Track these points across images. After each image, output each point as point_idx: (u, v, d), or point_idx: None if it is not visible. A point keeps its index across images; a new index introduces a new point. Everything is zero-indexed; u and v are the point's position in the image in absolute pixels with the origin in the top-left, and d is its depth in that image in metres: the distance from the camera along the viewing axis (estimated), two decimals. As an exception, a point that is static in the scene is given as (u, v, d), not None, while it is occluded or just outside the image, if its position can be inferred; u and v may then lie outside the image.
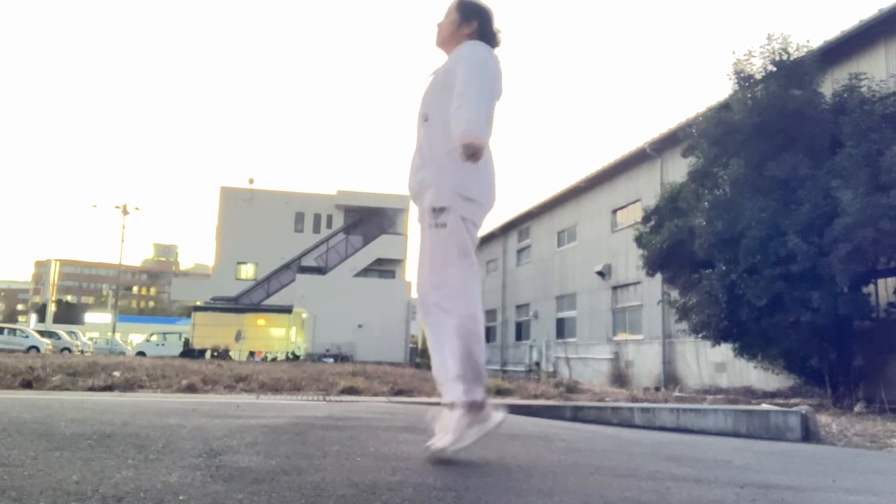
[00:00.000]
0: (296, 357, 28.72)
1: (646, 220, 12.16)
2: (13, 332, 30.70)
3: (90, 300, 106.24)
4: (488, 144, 2.38)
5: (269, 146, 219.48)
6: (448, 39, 2.58)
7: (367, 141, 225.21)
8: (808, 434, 5.11)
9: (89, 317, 66.74)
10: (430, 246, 2.39)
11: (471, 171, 2.34)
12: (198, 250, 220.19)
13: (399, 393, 7.51)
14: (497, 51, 2.53)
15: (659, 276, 12.75)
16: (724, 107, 10.28)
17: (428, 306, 2.44)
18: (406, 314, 32.61)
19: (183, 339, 32.05)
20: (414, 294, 37.60)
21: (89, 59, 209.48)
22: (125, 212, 39.55)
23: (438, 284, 2.37)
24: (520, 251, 27.56)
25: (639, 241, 11.95)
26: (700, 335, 10.80)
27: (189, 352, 27.86)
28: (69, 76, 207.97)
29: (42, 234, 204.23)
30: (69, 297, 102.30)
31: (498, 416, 2.37)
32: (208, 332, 29.88)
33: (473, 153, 2.18)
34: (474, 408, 2.30)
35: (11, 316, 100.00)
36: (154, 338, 34.76)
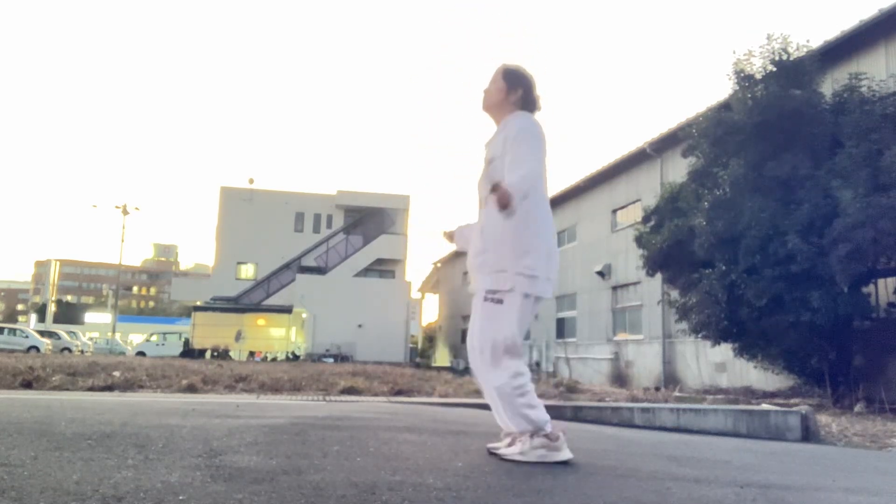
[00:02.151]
0: (296, 357, 28.72)
1: (646, 220, 12.17)
2: (13, 332, 30.67)
3: (90, 300, 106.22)
4: (547, 215, 2.61)
5: (269, 146, 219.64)
6: (495, 106, 2.75)
7: (367, 141, 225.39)
8: (808, 434, 5.11)
9: (89, 317, 66.72)
10: (482, 320, 2.58)
11: (531, 249, 2.52)
12: (198, 250, 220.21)
13: (399, 393, 7.51)
14: (538, 115, 2.73)
15: (659, 276, 12.76)
16: (724, 107, 10.28)
17: (479, 369, 2.63)
18: (406, 314, 32.60)
19: (183, 339, 32.04)
20: (414, 294, 37.67)
21: (89, 59, 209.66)
22: (125, 212, 39.54)
23: (485, 353, 2.54)
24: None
25: (639, 240, 11.96)
26: (700, 335, 10.80)
27: (189, 352, 27.85)
28: (69, 76, 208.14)
29: (42, 234, 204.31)
30: (69, 297, 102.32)
31: (567, 454, 2.50)
32: (208, 332, 29.87)
33: (505, 203, 2.30)
34: (550, 437, 2.49)
35: (11, 316, 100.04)
36: (154, 338, 34.74)
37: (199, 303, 33.13)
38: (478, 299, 2.63)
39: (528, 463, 2.44)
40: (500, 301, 2.52)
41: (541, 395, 2.89)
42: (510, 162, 2.50)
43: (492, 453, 2.60)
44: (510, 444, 2.56)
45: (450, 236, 3.01)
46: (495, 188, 2.33)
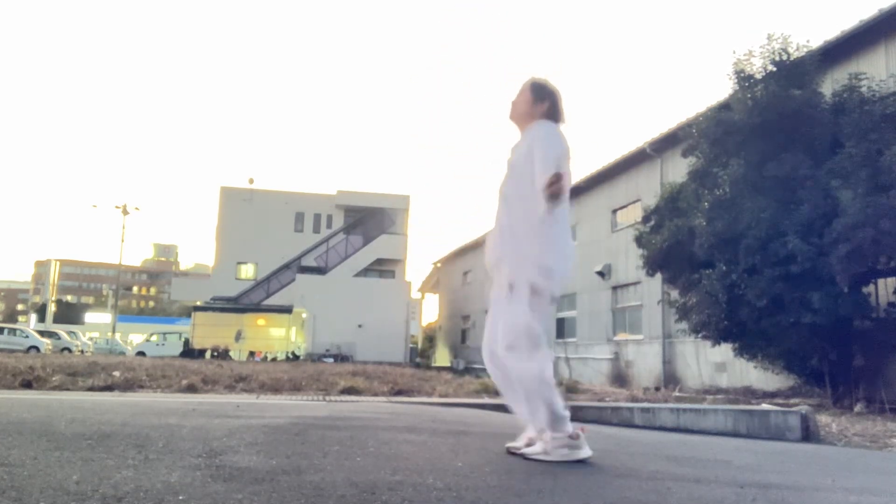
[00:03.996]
0: (296, 357, 28.72)
1: (646, 220, 12.16)
2: (13, 332, 30.67)
3: (90, 300, 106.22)
4: (566, 220, 2.71)
5: (269, 146, 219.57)
6: (521, 117, 2.86)
7: (367, 141, 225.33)
8: (808, 434, 5.11)
9: (89, 317, 66.73)
10: (505, 315, 2.62)
11: (549, 247, 2.62)
12: (198, 250, 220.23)
13: (399, 393, 7.51)
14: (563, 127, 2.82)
15: (659, 276, 12.75)
16: (724, 107, 10.27)
17: (497, 358, 2.68)
18: (406, 314, 32.60)
19: (183, 339, 32.04)
20: (414, 294, 37.66)
21: (90, 59, 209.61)
22: (125, 212, 39.55)
23: (510, 348, 2.59)
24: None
25: (639, 240, 11.95)
26: (700, 335, 10.80)
27: (189, 352, 27.84)
28: (69, 76, 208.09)
29: (42, 234, 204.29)
30: (69, 297, 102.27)
31: (587, 451, 2.56)
32: (208, 332, 29.87)
33: (557, 188, 2.44)
34: (572, 437, 2.54)
35: (11, 316, 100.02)
36: (154, 338, 34.74)
37: (199, 303, 33.13)
38: (498, 294, 2.70)
39: (528, 463, 2.45)
40: (520, 295, 2.59)
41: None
42: (537, 169, 2.59)
43: (511, 453, 2.64)
44: (529, 444, 2.61)
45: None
46: (554, 180, 2.44)
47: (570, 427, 2.55)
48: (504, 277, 2.66)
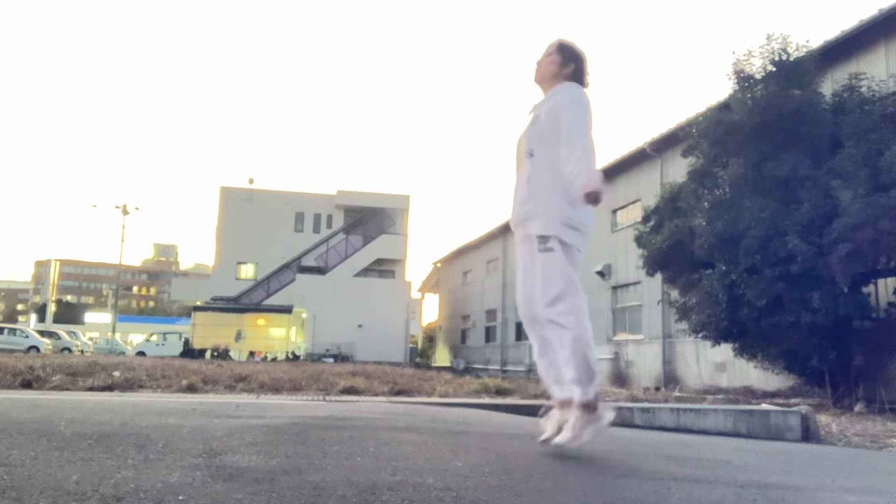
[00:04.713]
0: (296, 357, 28.72)
1: (646, 219, 12.15)
2: (13, 332, 30.68)
3: (90, 300, 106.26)
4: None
5: (269, 146, 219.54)
6: (547, 78, 2.85)
7: (367, 141, 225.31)
8: (808, 434, 5.10)
9: (89, 317, 66.75)
10: (541, 268, 2.65)
11: (574, 203, 2.61)
12: (198, 250, 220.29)
13: (399, 393, 7.51)
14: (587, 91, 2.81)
15: (659, 276, 12.75)
16: (724, 107, 10.27)
17: (538, 320, 2.71)
18: (406, 314, 32.60)
19: (183, 339, 32.04)
20: (414, 294, 37.65)
21: (90, 59, 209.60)
22: (125, 212, 39.60)
23: (551, 302, 2.62)
24: (520, 251, 27.51)
25: (639, 240, 11.94)
26: (700, 335, 10.80)
27: (189, 352, 27.85)
28: (69, 76, 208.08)
29: (42, 234, 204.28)
30: (69, 297, 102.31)
31: (609, 414, 2.65)
32: (208, 332, 29.87)
33: (595, 199, 2.47)
34: (590, 408, 2.58)
35: (11, 316, 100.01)
36: (154, 338, 34.76)
37: (199, 303, 33.14)
38: (526, 248, 2.72)
39: (528, 463, 2.45)
40: (551, 249, 2.61)
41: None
42: (566, 133, 2.59)
43: (545, 444, 2.66)
44: (556, 432, 2.65)
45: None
46: (589, 193, 2.45)
47: (593, 393, 2.59)
48: (533, 231, 2.66)
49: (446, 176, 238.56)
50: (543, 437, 2.71)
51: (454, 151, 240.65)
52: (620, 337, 18.89)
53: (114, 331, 40.65)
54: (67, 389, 6.81)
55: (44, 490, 1.65)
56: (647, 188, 17.19)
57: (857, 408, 8.41)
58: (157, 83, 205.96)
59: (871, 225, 7.71)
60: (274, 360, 27.10)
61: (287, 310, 31.39)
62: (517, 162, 2.86)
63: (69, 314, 71.00)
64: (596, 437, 2.60)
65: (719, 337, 10.26)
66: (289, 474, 1.99)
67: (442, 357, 37.96)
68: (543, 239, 2.62)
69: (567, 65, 2.79)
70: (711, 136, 10.13)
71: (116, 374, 8.28)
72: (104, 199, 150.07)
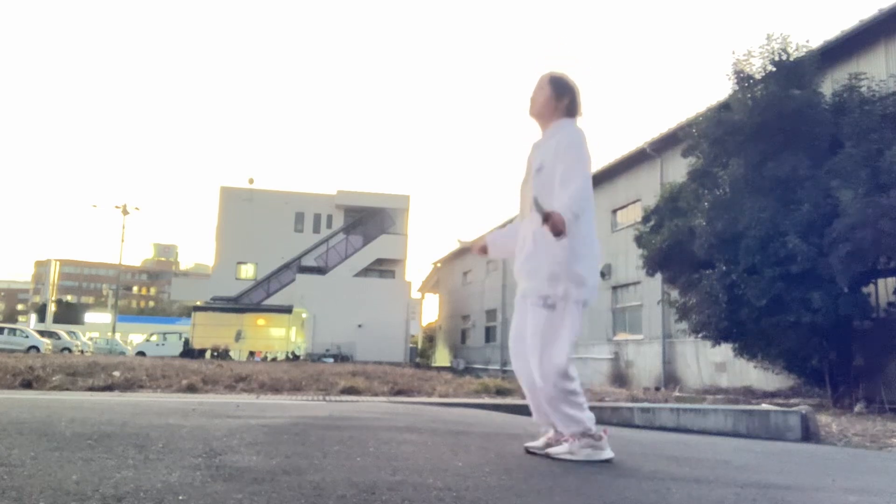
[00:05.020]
0: (296, 357, 28.72)
1: (646, 219, 12.15)
2: (13, 332, 30.67)
3: (90, 300, 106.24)
4: (592, 221, 2.70)
5: (269, 146, 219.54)
6: (542, 113, 2.83)
7: (367, 141, 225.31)
8: (808, 434, 5.11)
9: (89, 317, 66.72)
10: (542, 325, 2.61)
11: (581, 257, 2.62)
12: (198, 250, 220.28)
13: (399, 393, 7.52)
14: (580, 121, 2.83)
15: (659, 276, 12.75)
16: (724, 107, 10.27)
17: (524, 365, 2.68)
18: (406, 314, 32.60)
19: (183, 339, 32.04)
20: (414, 294, 37.65)
21: (89, 59, 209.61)
22: (125, 212, 39.56)
23: (550, 370, 2.57)
24: (520, 251, 27.52)
25: (639, 240, 11.95)
26: (700, 335, 10.79)
27: (189, 352, 27.85)
28: (69, 76, 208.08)
29: (42, 234, 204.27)
30: (69, 297, 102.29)
31: (609, 453, 2.60)
32: (208, 332, 29.86)
33: (560, 231, 2.43)
34: (593, 437, 2.58)
35: (11, 316, 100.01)
36: (154, 338, 34.75)
37: (199, 303, 33.13)
38: (527, 302, 2.70)
39: (528, 463, 2.45)
40: (552, 306, 2.59)
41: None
42: (561, 175, 2.59)
43: (531, 452, 2.66)
44: (549, 444, 2.64)
45: (478, 248, 3.07)
46: (547, 217, 2.42)
47: (595, 427, 2.58)
48: (535, 285, 2.65)
49: (446, 176, 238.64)
50: (531, 445, 2.71)
51: (454, 151, 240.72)
52: (620, 337, 18.89)
53: (114, 331, 40.64)
54: (67, 389, 6.81)
55: (44, 490, 1.65)
56: (647, 188, 17.19)
57: (857, 408, 8.41)
58: (157, 83, 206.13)
59: (871, 225, 7.71)
60: (274, 360, 27.10)
61: (287, 310, 31.40)
62: (521, 209, 2.84)
63: (69, 314, 71.00)
64: (590, 459, 2.54)
65: (719, 337, 10.26)
66: (289, 474, 1.99)
67: (442, 357, 37.97)
68: (547, 297, 2.61)
69: (561, 98, 2.78)
70: (711, 136, 10.13)
71: (116, 374, 8.29)
72: (104, 199, 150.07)
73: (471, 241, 3.13)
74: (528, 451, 2.68)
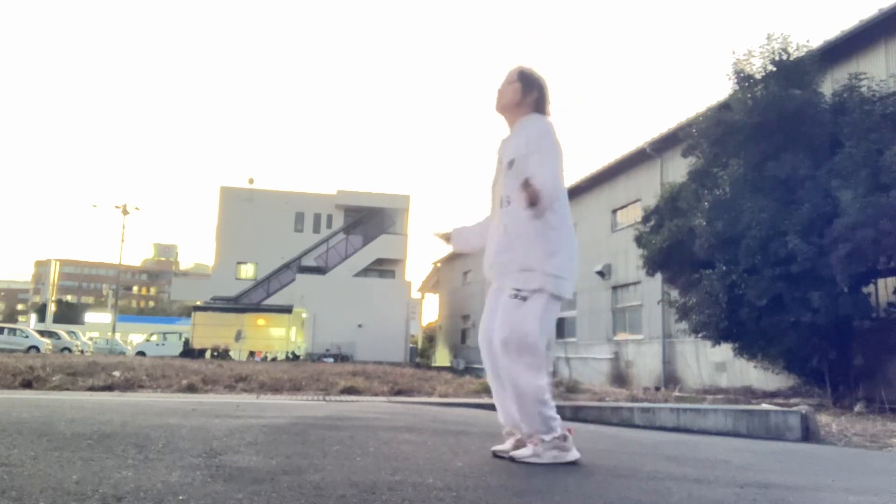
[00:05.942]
0: (296, 357, 28.72)
1: (646, 219, 12.16)
2: (13, 332, 30.64)
3: (90, 300, 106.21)
4: (567, 214, 2.64)
5: (269, 146, 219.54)
6: (510, 108, 2.77)
7: (367, 141, 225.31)
8: (808, 434, 5.11)
9: (89, 317, 66.66)
10: (512, 311, 2.52)
11: (555, 251, 2.55)
12: (198, 250, 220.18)
13: (399, 393, 7.51)
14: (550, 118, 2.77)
15: (659, 276, 12.75)
16: (724, 107, 10.27)
17: (493, 356, 2.61)
18: (406, 314, 32.59)
19: (183, 339, 32.03)
20: (414, 294, 37.66)
21: (89, 59, 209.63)
22: (125, 212, 39.54)
23: (506, 343, 2.50)
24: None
25: (639, 240, 11.95)
26: (700, 335, 10.80)
27: (189, 352, 27.84)
28: (69, 76, 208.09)
29: (42, 234, 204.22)
30: (69, 297, 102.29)
31: (575, 454, 2.55)
32: (208, 332, 29.86)
33: (536, 201, 2.39)
34: (559, 438, 2.51)
35: (11, 316, 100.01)
36: (154, 338, 34.72)
37: (199, 303, 33.12)
38: (499, 296, 2.62)
39: (528, 463, 2.44)
40: (524, 298, 2.51)
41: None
42: (535, 165, 2.53)
43: (498, 456, 2.58)
44: (516, 446, 2.56)
45: (446, 237, 3.02)
46: (526, 185, 2.37)
47: (559, 429, 2.50)
48: (508, 279, 2.58)
49: (446, 176, 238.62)
50: (498, 448, 2.63)
51: (454, 151, 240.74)
52: (620, 337, 18.89)
53: (114, 331, 40.63)
54: (67, 389, 6.81)
55: (44, 490, 1.65)
56: (647, 188, 17.19)
57: (857, 408, 8.42)
58: (157, 83, 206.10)
59: (871, 225, 7.71)
60: (274, 360, 27.09)
61: (287, 310, 31.40)
62: (492, 205, 2.78)
63: (69, 314, 71.00)
64: (556, 462, 2.47)
65: (719, 337, 10.26)
66: (289, 474, 1.99)
67: (442, 357, 37.97)
68: (519, 290, 2.53)
69: (529, 93, 2.72)
70: (711, 136, 10.13)
71: (116, 374, 8.28)
72: (104, 199, 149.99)
73: (443, 231, 3.07)
74: (496, 455, 2.59)
